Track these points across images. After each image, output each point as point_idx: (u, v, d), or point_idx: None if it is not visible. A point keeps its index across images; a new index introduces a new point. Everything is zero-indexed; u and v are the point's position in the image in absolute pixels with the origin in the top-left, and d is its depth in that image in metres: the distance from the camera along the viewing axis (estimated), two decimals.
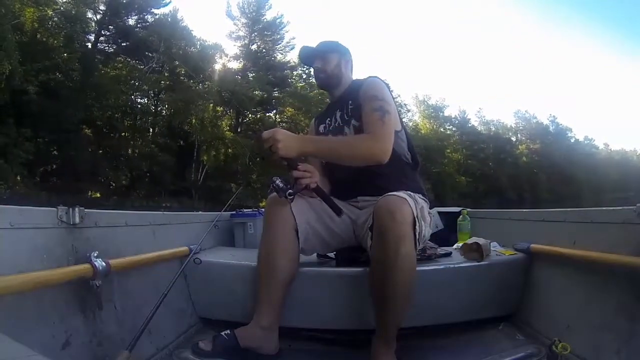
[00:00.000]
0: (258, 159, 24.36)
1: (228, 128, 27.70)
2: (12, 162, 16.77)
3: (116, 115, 23.34)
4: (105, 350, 1.19)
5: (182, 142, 25.46)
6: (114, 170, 21.57)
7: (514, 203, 33.55)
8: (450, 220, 2.48)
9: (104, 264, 1.18)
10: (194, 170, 25.15)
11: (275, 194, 1.52)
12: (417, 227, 1.33)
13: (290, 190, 1.44)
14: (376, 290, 1.36)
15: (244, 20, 30.32)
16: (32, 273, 0.99)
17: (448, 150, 38.60)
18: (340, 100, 1.75)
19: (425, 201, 1.58)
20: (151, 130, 25.35)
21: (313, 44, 1.80)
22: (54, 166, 20.73)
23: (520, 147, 44.99)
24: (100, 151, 22.21)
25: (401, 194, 1.36)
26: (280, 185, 1.45)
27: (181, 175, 24.51)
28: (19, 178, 17.33)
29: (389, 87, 1.69)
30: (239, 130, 27.87)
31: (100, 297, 1.21)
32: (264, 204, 1.82)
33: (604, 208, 1.43)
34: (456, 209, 2.60)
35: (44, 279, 1.01)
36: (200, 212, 2.53)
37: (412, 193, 1.44)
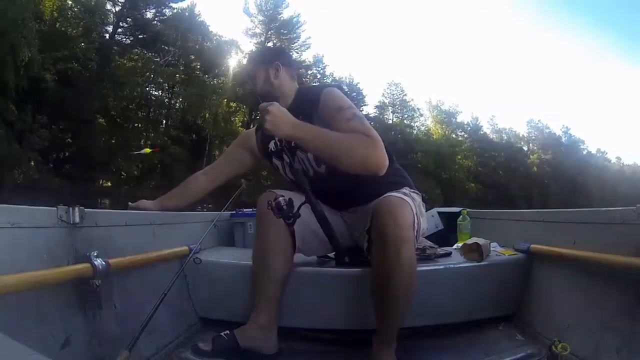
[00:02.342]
0: None
1: (241, 124, 27.79)
2: (27, 148, 17.02)
3: (131, 106, 23.55)
4: (105, 350, 1.19)
5: (194, 136, 25.54)
6: (126, 161, 21.75)
7: None
8: (450, 220, 2.48)
9: (104, 263, 1.18)
10: (205, 164, 25.13)
11: (269, 192, 1.49)
12: (415, 224, 1.33)
13: (291, 214, 1.35)
14: (377, 291, 1.35)
15: (260, 18, 30.36)
16: (32, 273, 0.99)
17: (459, 157, 38.27)
18: None
19: (418, 194, 1.57)
20: (164, 122, 25.47)
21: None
22: (68, 154, 20.97)
23: (531, 156, 44.29)
24: (114, 141, 22.41)
25: (399, 194, 1.35)
26: (284, 206, 1.34)
27: (192, 168, 24.30)
28: (32, 164, 17.55)
29: (343, 90, 1.62)
30: (251, 126, 27.87)
31: (100, 297, 1.21)
32: None
33: (603, 208, 1.41)
34: (456, 209, 2.58)
35: (44, 279, 1.01)
36: (200, 212, 2.54)
37: (407, 191, 1.44)
